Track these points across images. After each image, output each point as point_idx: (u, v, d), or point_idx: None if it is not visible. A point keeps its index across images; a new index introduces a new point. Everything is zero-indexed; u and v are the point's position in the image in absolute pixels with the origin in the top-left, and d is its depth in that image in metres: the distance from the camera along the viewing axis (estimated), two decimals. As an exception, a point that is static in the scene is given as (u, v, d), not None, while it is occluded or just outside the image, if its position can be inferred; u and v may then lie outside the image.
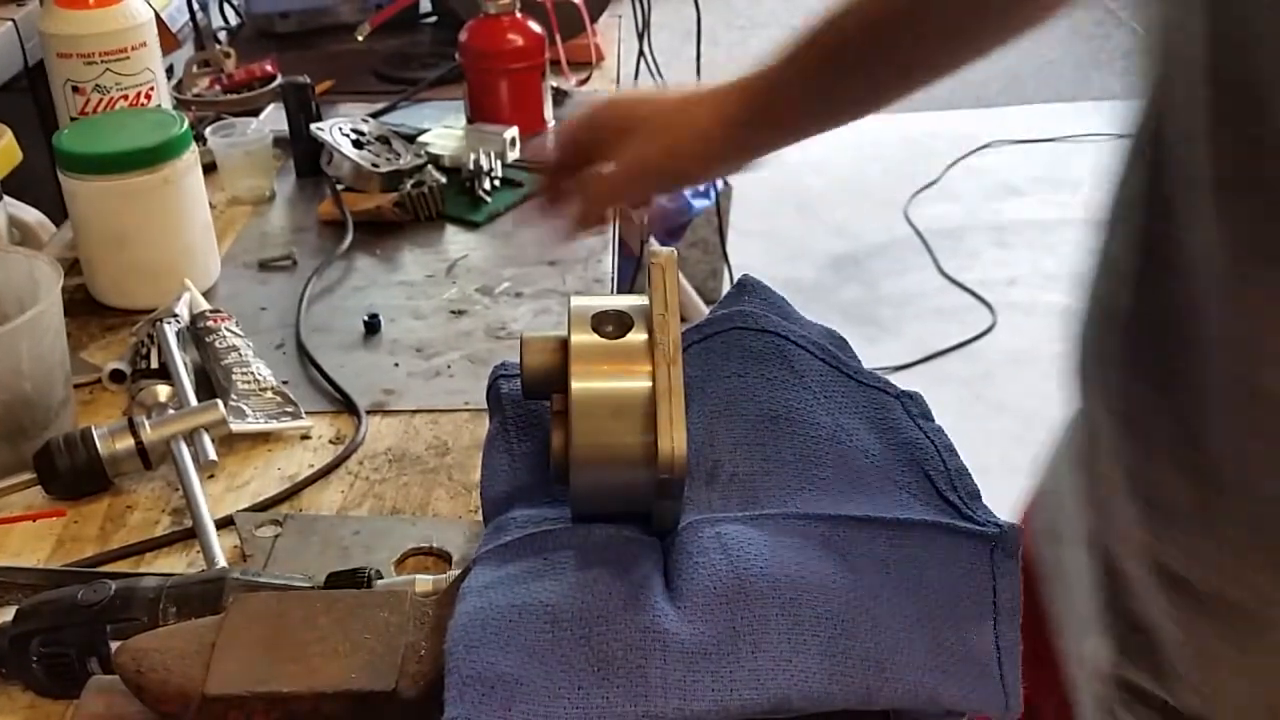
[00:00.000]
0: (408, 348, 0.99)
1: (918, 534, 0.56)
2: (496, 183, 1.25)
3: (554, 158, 0.81)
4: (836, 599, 0.52)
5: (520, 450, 0.64)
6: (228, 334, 0.95)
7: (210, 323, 0.95)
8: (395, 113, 1.45)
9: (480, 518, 0.68)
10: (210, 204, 1.10)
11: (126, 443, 0.80)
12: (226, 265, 1.12)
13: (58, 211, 1.18)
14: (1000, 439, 2.08)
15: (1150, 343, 0.54)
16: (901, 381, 0.69)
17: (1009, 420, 2.38)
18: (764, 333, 0.65)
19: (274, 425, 0.87)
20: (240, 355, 0.93)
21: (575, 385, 0.55)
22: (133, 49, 1.16)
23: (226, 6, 1.78)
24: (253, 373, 0.91)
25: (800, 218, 3.25)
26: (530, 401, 0.64)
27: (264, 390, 0.90)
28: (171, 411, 0.84)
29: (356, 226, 1.17)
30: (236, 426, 0.85)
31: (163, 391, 0.88)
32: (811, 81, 0.73)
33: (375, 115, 1.39)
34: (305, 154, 1.29)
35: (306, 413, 0.90)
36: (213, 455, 0.81)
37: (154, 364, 0.91)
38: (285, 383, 0.92)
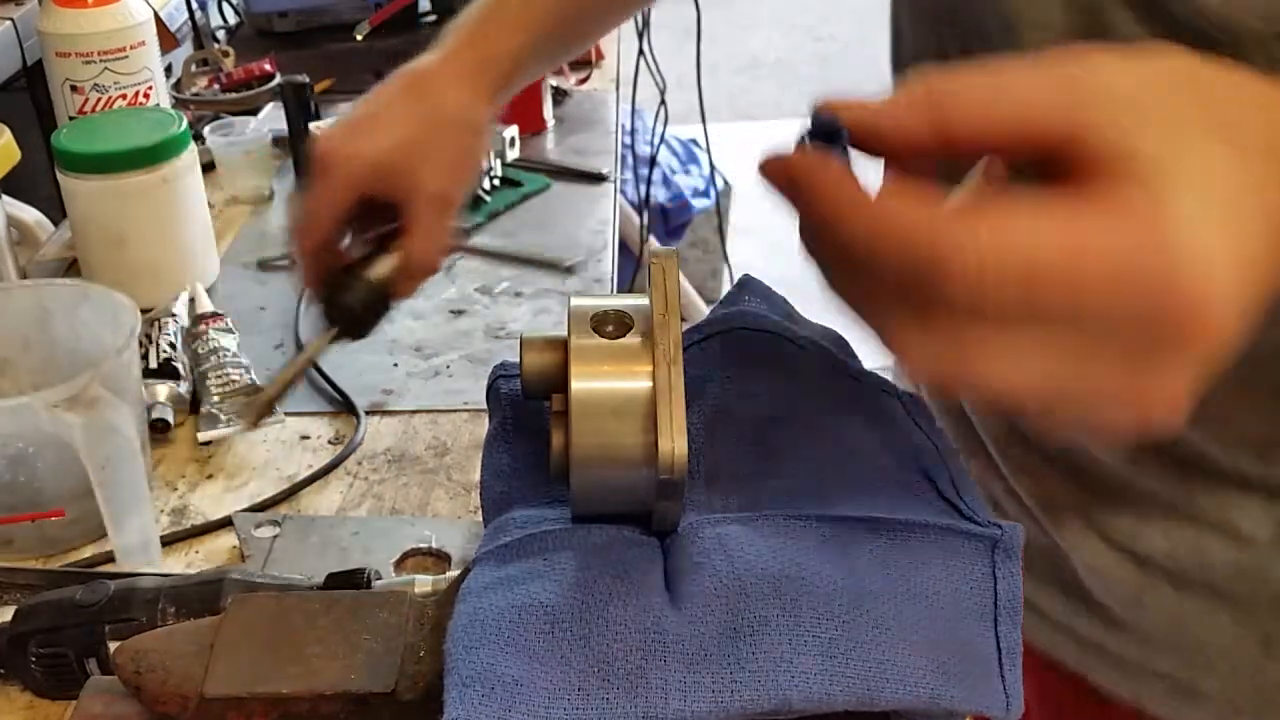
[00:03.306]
0: (407, 347, 0.99)
1: (919, 534, 0.55)
2: (496, 182, 1.25)
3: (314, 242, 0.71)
4: (837, 600, 0.52)
5: (520, 450, 0.64)
6: (213, 336, 0.94)
7: (200, 326, 0.95)
8: (394, 112, 1.45)
9: (480, 518, 0.68)
10: (209, 203, 1.10)
11: (389, 264, 0.71)
12: (225, 265, 1.12)
13: (56, 211, 1.18)
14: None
15: None
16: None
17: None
18: (764, 333, 0.65)
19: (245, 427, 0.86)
20: (219, 359, 0.91)
21: (575, 385, 0.55)
22: (131, 48, 1.16)
23: (225, 5, 1.78)
24: (227, 374, 0.90)
25: (800, 217, 3.25)
26: (530, 401, 0.64)
27: (238, 392, 0.89)
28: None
29: (356, 226, 1.17)
30: (206, 435, 0.84)
31: (162, 390, 0.88)
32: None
33: (374, 114, 1.38)
34: (304, 153, 1.29)
35: (306, 413, 0.89)
36: None
37: (153, 364, 0.90)
38: (255, 384, 0.91)
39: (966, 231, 0.34)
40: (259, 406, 0.75)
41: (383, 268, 0.71)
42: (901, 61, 0.68)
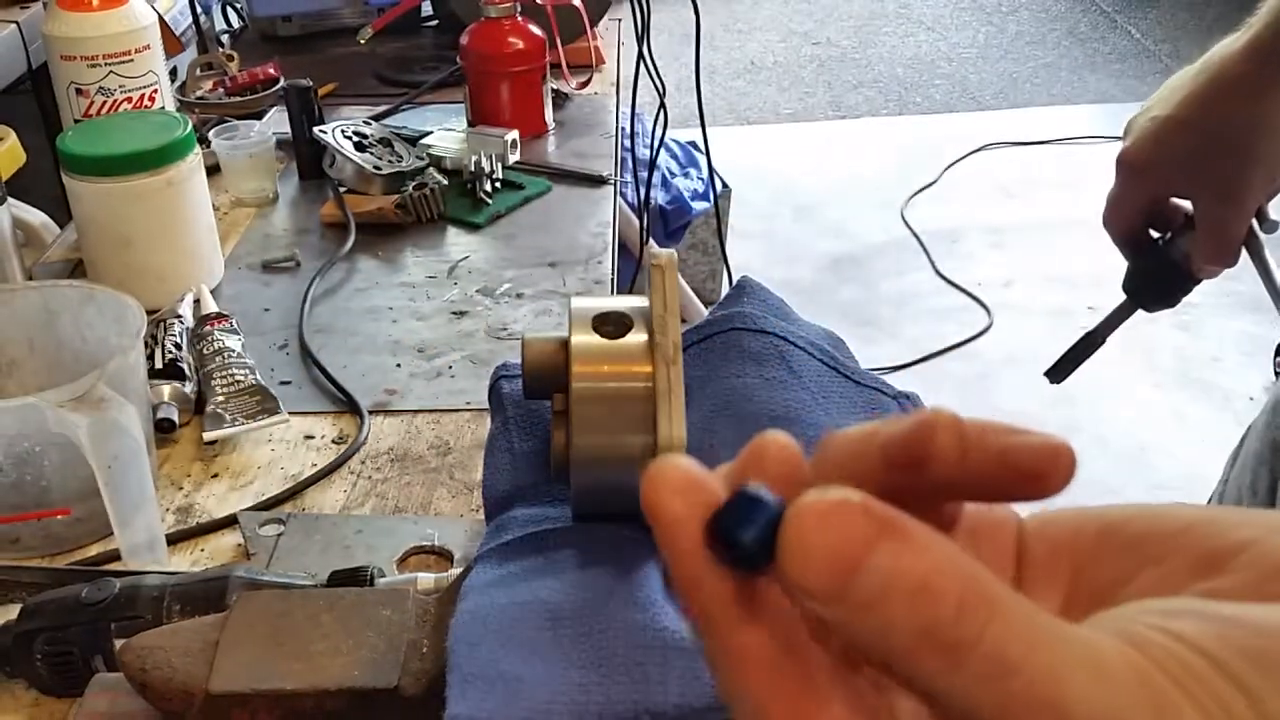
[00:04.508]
0: (410, 348, 0.99)
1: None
2: (497, 185, 1.26)
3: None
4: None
5: (521, 450, 0.65)
6: (218, 337, 0.94)
7: (205, 327, 0.95)
8: (397, 115, 1.46)
9: (482, 516, 0.68)
10: (214, 206, 1.10)
11: (1185, 246, 0.83)
12: (230, 267, 1.12)
13: (62, 213, 1.18)
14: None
15: None
16: (899, 382, 0.69)
17: (1005, 421, 2.39)
18: (763, 333, 0.66)
19: (250, 426, 0.86)
20: (224, 359, 0.92)
21: (576, 385, 0.56)
22: (136, 52, 1.17)
23: (229, 10, 1.79)
24: (232, 375, 0.91)
25: (798, 220, 3.26)
26: (531, 401, 0.64)
27: (243, 391, 0.89)
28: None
29: (359, 228, 1.17)
30: (211, 434, 0.85)
31: (167, 391, 0.89)
32: None
33: (377, 118, 1.39)
34: (308, 156, 1.30)
35: (310, 413, 0.90)
36: None
37: (158, 364, 0.91)
38: (260, 384, 0.92)
39: None
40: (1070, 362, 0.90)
41: (1179, 249, 0.83)
42: None
